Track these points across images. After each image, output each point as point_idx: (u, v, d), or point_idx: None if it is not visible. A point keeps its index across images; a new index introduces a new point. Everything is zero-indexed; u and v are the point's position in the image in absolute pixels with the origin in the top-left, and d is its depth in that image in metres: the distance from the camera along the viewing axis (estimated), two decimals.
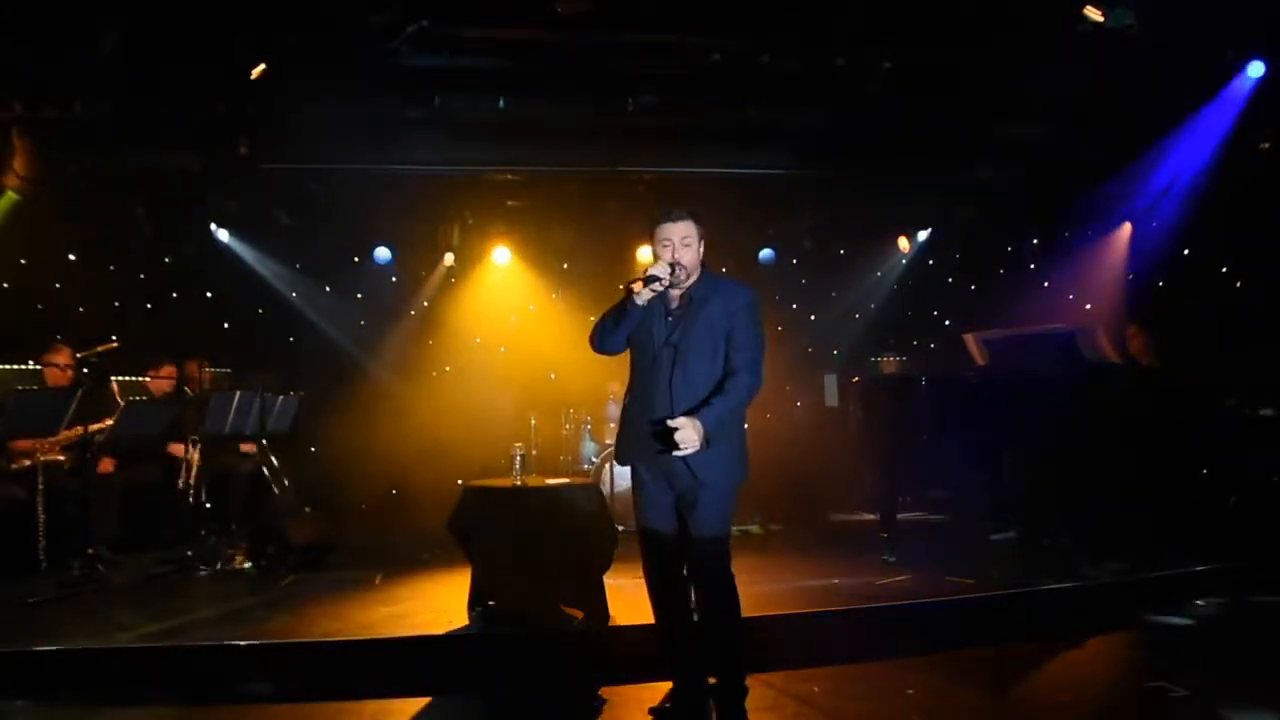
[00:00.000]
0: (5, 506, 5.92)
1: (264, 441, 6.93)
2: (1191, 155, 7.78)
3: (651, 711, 3.66)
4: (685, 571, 3.59)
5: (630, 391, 3.65)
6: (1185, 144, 7.76)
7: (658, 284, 3.43)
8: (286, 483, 7.14)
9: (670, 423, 3.31)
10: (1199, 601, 5.23)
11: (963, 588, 5.24)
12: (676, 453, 3.31)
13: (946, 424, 6.09)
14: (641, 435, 3.52)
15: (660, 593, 3.58)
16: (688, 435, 3.29)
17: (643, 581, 3.63)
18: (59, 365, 6.38)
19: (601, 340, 3.58)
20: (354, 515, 8.55)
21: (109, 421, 6.13)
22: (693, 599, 3.63)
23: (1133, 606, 5.12)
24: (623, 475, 7.57)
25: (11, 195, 7.35)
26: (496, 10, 6.31)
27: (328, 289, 9.46)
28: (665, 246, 3.52)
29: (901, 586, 5.38)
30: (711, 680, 3.54)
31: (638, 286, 3.42)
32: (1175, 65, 6.70)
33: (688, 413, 3.35)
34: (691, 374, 3.49)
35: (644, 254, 9.50)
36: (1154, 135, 7.79)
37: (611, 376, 8.21)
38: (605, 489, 7.33)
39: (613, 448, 7.80)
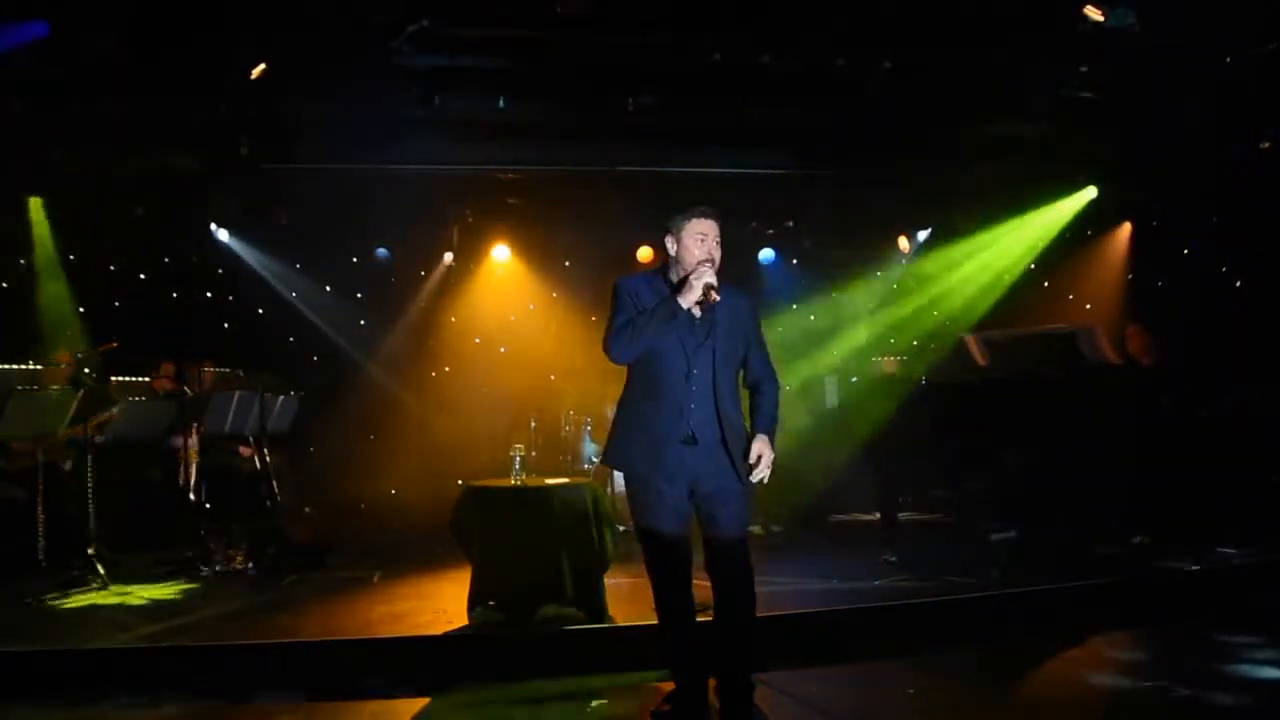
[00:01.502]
0: (5, 506, 5.92)
1: (263, 442, 6.92)
2: None
3: (653, 714, 3.65)
4: (690, 573, 3.54)
5: (644, 397, 3.49)
6: None
7: (715, 292, 3.35)
8: (286, 483, 7.14)
9: (759, 452, 3.41)
10: (1199, 601, 5.23)
11: (963, 588, 5.24)
12: (755, 477, 3.42)
13: (947, 424, 6.08)
14: (665, 442, 3.41)
15: (674, 597, 3.51)
16: (770, 458, 3.42)
17: (641, 581, 3.62)
18: (59, 365, 6.38)
19: (630, 348, 3.40)
20: (354, 515, 8.55)
21: (114, 411, 6.08)
22: (695, 600, 3.60)
23: (1133, 606, 5.12)
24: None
25: (37, 201, 7.37)
26: (496, 10, 6.30)
27: (328, 289, 9.46)
28: (702, 240, 3.46)
29: (901, 586, 5.38)
30: (711, 681, 3.53)
31: (713, 290, 3.32)
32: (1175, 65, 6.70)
33: (717, 429, 3.42)
34: (728, 377, 3.48)
35: (644, 253, 9.50)
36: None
37: (610, 378, 8.19)
38: (611, 488, 7.31)
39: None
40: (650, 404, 3.46)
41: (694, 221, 3.48)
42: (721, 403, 3.45)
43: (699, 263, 3.42)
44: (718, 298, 3.35)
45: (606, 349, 3.43)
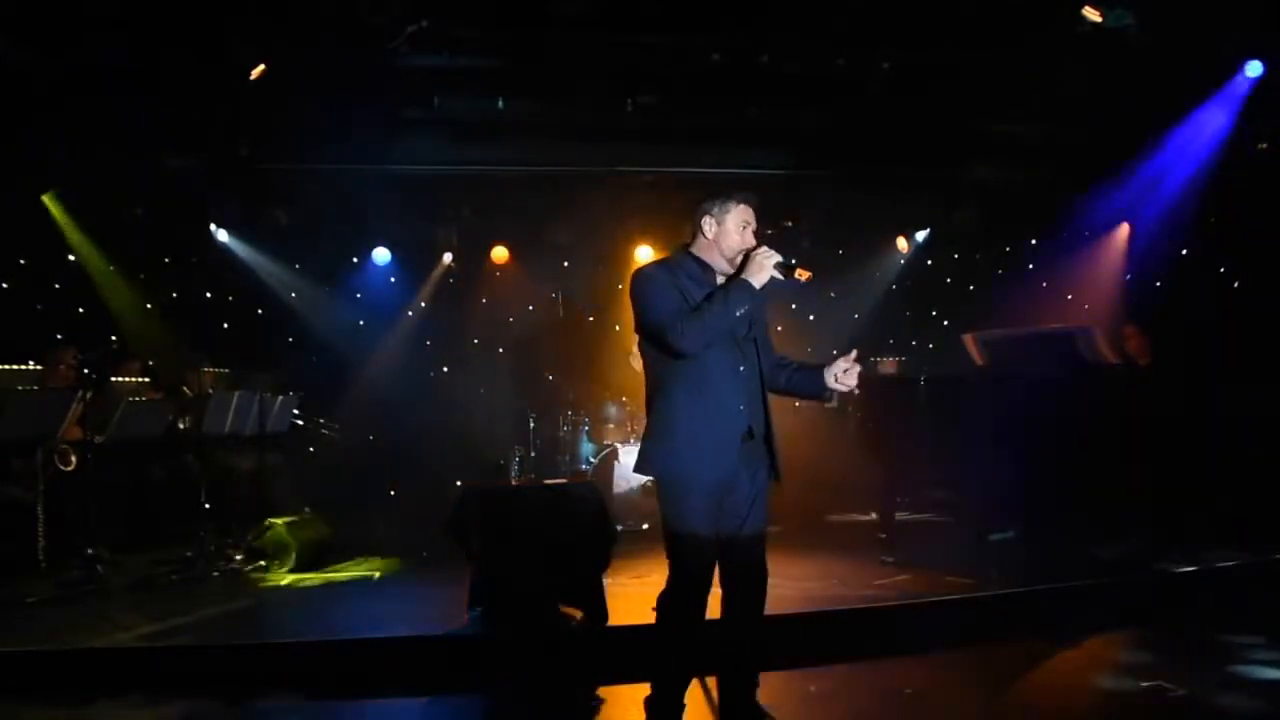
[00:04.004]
0: (5, 506, 5.92)
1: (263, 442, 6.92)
2: (1185, 153, 7.75)
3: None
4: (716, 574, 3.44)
5: (696, 396, 3.25)
6: (1179, 141, 7.71)
7: (800, 269, 3.23)
8: (285, 483, 7.15)
9: (848, 360, 3.33)
10: (1198, 600, 5.23)
11: (963, 588, 5.24)
12: (842, 387, 3.33)
13: (946, 424, 6.09)
14: (724, 441, 3.25)
15: (699, 600, 3.35)
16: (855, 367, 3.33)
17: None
18: (62, 365, 6.36)
19: (702, 337, 3.19)
20: (354, 515, 8.55)
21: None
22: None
23: (1133, 606, 5.12)
24: (625, 475, 7.57)
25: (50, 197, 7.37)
26: (496, 10, 6.31)
27: (328, 289, 9.46)
28: (745, 228, 3.33)
29: (901, 586, 5.38)
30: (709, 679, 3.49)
31: (792, 267, 3.19)
32: (1174, 63, 6.71)
33: (765, 423, 3.34)
34: (766, 369, 3.38)
35: (643, 254, 9.49)
36: (1152, 134, 7.79)
37: (607, 378, 8.22)
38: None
39: (613, 449, 7.81)
40: (702, 402, 3.25)
41: (740, 208, 3.34)
42: (766, 395, 3.36)
43: (753, 246, 3.29)
44: (808, 274, 3.20)
45: (677, 340, 3.18)
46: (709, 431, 3.24)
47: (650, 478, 3.41)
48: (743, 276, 3.23)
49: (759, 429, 3.32)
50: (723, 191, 3.39)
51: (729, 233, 3.34)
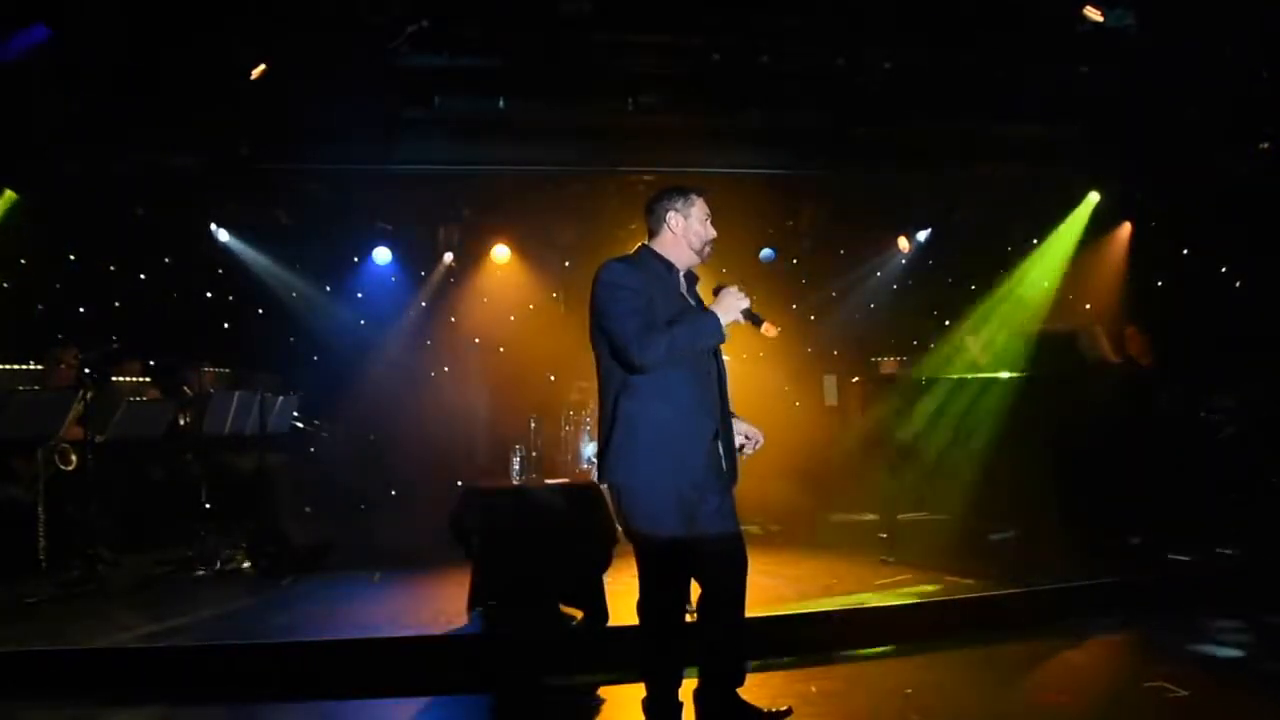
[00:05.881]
0: (5, 506, 5.92)
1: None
2: None
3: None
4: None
5: (669, 400, 3.26)
6: None
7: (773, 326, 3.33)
8: (286, 483, 7.14)
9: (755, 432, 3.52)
10: (1198, 601, 5.23)
11: (963, 588, 5.24)
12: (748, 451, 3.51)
13: (947, 424, 6.09)
14: (697, 443, 3.31)
15: (679, 602, 3.41)
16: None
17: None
18: (62, 365, 6.36)
19: (667, 359, 3.21)
20: (353, 515, 8.55)
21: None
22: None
23: (1132, 606, 5.12)
24: None
25: (10, 195, 7.35)
26: (496, 10, 6.31)
27: (328, 289, 9.46)
28: (708, 219, 3.46)
29: (901, 586, 5.38)
30: (694, 681, 3.46)
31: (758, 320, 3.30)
32: (1174, 62, 6.70)
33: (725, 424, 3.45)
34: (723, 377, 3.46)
35: None
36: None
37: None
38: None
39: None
40: (675, 405, 3.27)
41: (701, 202, 3.46)
42: (726, 400, 3.45)
43: (726, 288, 3.36)
44: (777, 330, 3.29)
45: (639, 353, 3.18)
46: (683, 434, 3.29)
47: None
48: (712, 309, 3.30)
49: (722, 433, 3.40)
50: (678, 187, 3.49)
51: (695, 228, 3.43)
